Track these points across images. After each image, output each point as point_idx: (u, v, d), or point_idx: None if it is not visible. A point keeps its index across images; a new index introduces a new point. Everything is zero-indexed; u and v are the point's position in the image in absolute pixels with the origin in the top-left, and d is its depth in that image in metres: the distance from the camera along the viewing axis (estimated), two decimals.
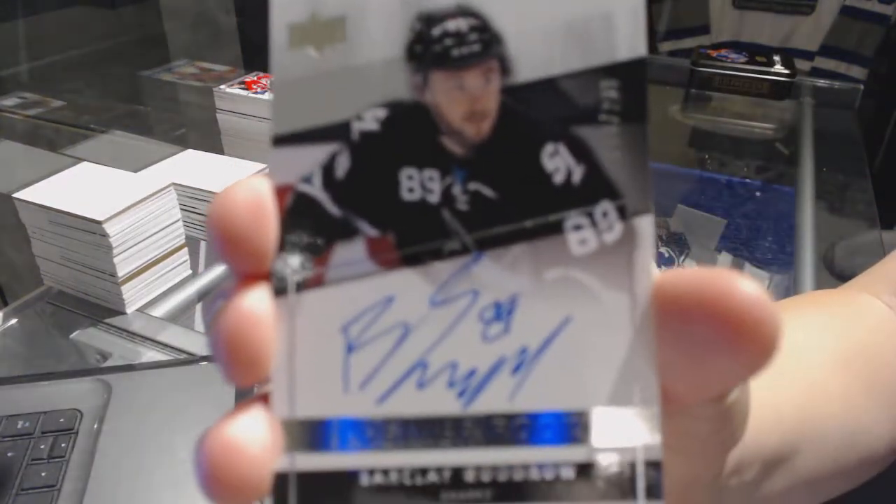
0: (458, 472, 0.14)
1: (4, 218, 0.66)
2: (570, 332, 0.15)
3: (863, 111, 1.19)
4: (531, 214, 0.15)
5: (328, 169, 0.15)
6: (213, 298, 0.16)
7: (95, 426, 0.49)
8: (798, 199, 0.89)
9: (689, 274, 0.14)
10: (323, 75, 0.15)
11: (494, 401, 0.15)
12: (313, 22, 0.15)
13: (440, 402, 0.15)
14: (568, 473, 0.14)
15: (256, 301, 0.14)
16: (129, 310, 0.63)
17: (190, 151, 0.77)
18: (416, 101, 0.15)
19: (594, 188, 0.15)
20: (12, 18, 1.12)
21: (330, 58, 0.15)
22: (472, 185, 0.15)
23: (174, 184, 0.64)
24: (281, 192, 0.15)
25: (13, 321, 0.63)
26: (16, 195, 0.62)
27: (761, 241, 0.94)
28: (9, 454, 0.46)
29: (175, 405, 0.51)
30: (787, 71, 1.18)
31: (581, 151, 0.15)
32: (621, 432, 0.14)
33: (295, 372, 0.15)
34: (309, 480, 0.14)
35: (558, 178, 0.15)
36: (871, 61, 1.32)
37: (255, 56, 1.41)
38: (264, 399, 0.15)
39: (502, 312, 0.15)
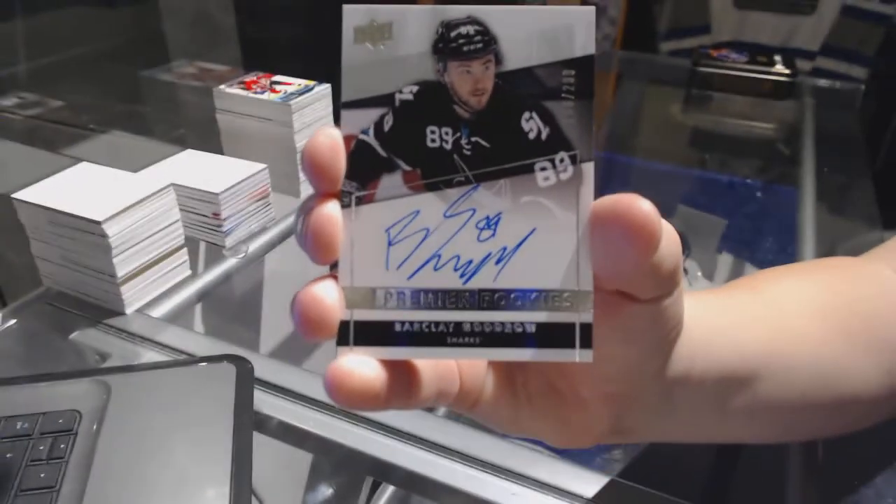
0: (458, 325, 0.21)
1: (3, 218, 0.65)
2: (535, 238, 0.21)
3: (864, 111, 1.19)
4: (512, 159, 0.21)
5: (379, 124, 0.21)
6: (299, 211, 0.21)
7: (95, 427, 0.49)
8: (799, 200, 0.89)
9: (613, 197, 0.20)
10: (376, 62, 0.21)
11: (484, 281, 0.21)
12: (370, 25, 0.21)
13: (448, 280, 0.21)
14: (531, 329, 0.21)
15: (330, 209, 0.21)
16: (129, 310, 0.63)
17: (189, 151, 0.77)
18: (438, 81, 0.21)
19: (555, 143, 0.21)
20: (10, 18, 1.12)
21: (381, 50, 0.21)
22: (474, 138, 0.21)
23: (174, 184, 0.64)
24: (348, 139, 0.21)
25: (12, 322, 0.63)
26: (14, 195, 0.61)
27: (762, 242, 0.94)
28: (7, 455, 0.46)
29: (174, 406, 0.51)
30: (788, 71, 1.18)
31: (547, 118, 0.21)
32: (567, 303, 0.21)
33: (354, 256, 0.21)
34: (362, 326, 0.21)
35: (532, 136, 0.21)
36: (873, 61, 1.31)
37: (254, 56, 1.41)
38: (334, 276, 0.21)
39: (491, 223, 0.21)
